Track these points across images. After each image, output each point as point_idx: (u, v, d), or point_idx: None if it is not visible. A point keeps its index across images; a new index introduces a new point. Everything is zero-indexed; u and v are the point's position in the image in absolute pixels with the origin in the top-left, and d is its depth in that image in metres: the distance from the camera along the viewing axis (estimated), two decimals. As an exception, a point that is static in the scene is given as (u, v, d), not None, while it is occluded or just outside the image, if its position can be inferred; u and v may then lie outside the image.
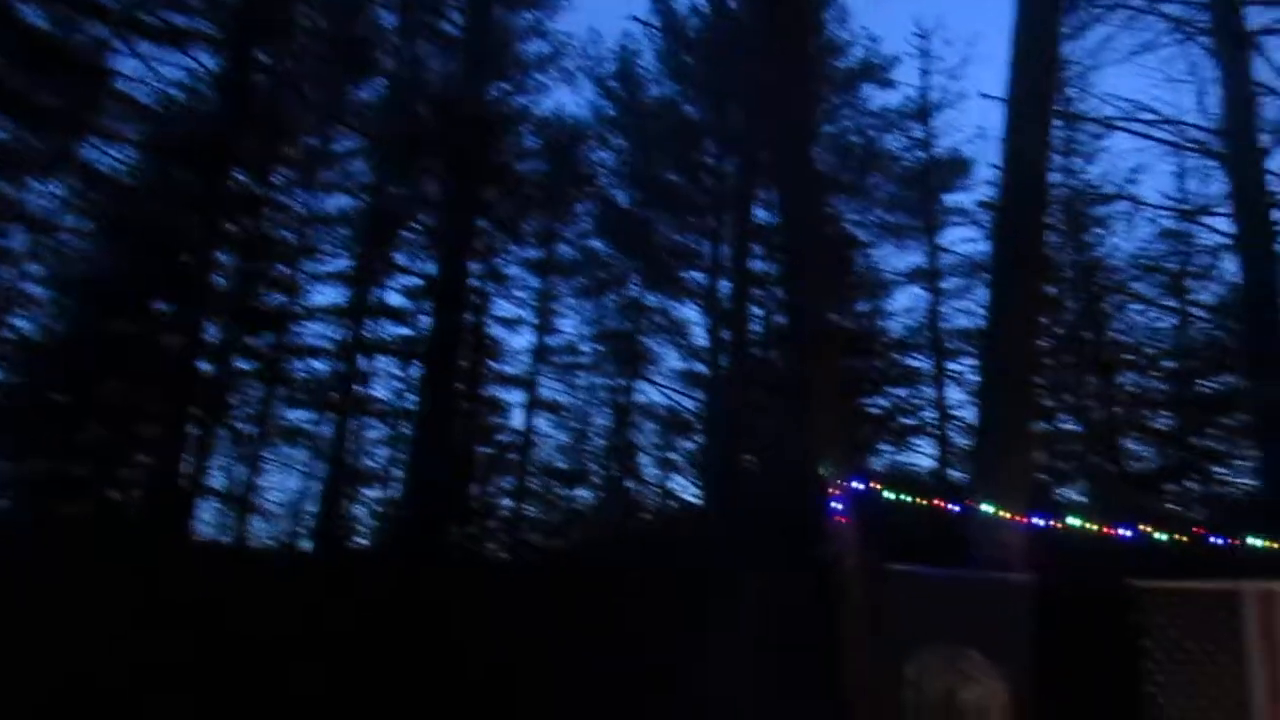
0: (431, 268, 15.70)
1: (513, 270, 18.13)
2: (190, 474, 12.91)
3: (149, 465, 12.25)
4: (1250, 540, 6.33)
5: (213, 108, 13.18)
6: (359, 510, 16.26)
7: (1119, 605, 5.87)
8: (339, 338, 15.68)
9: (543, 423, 18.81)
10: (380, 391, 16.65)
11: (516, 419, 18.47)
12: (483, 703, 9.35)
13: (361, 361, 15.98)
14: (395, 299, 16.54)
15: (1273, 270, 11.30)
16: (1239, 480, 13.96)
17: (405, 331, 16.52)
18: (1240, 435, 13.71)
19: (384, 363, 16.50)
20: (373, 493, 16.35)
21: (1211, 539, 6.42)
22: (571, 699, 8.90)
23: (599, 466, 19.14)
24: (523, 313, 18.26)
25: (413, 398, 15.81)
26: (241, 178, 13.59)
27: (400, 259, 16.26)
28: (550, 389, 18.83)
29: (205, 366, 13.18)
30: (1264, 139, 11.91)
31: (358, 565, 14.17)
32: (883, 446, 17.12)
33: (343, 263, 16.08)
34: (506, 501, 18.02)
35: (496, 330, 17.94)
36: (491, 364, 17.79)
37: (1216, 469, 14.25)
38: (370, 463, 16.46)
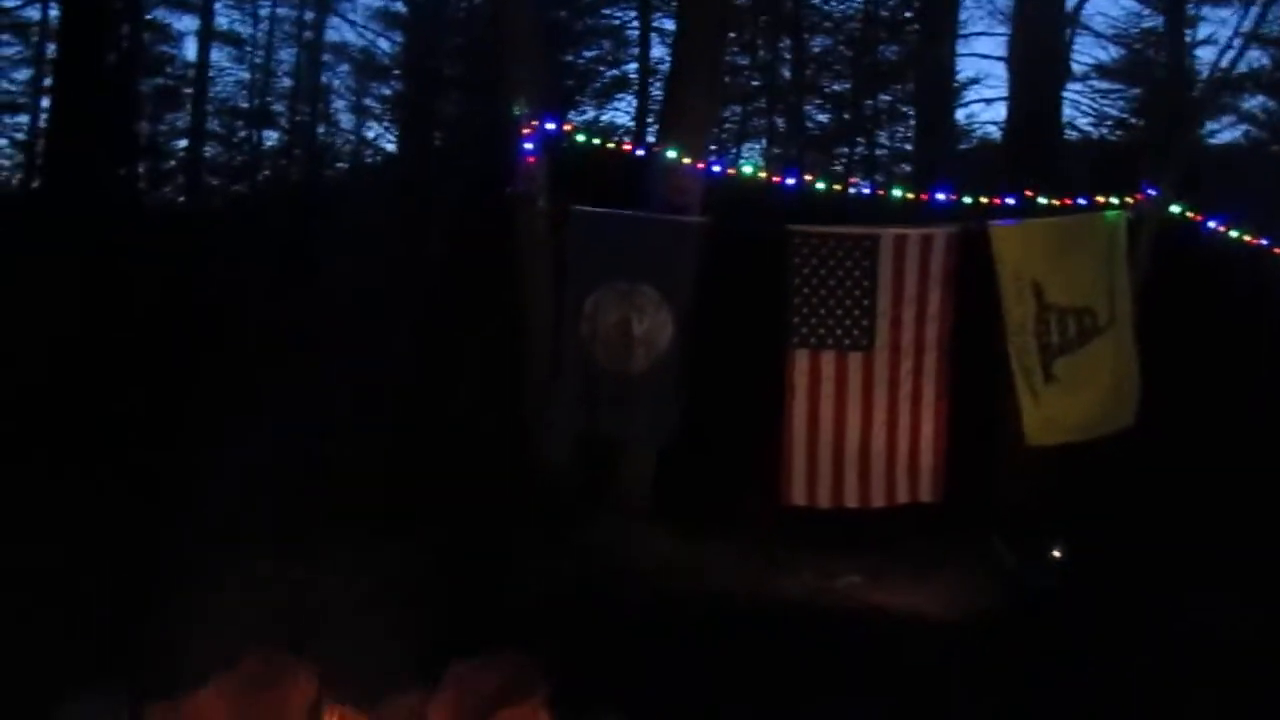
0: None
1: None
2: None
3: None
4: (894, 191, 7.03)
5: None
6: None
7: (777, 246, 6.41)
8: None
9: (221, 56, 17.02)
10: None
11: (189, 50, 16.58)
12: (159, 358, 8.95)
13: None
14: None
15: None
16: (898, 145, 15.37)
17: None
18: (904, 102, 14.87)
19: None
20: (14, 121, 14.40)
21: (861, 189, 7.08)
22: (262, 353, 8.72)
23: (287, 109, 17.84)
24: (187, -77, 15.91)
25: (55, 10, 13.66)
26: None
27: None
28: (227, 18, 16.91)
29: None
30: None
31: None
32: (585, 104, 17.08)
33: None
34: (182, 142, 16.56)
35: (155, -59, 15.59)
36: (153, -20, 15.58)
37: (880, 133, 15.55)
38: (8, 85, 14.37)
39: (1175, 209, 6.72)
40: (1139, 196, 6.57)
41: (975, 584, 6.57)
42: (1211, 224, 6.72)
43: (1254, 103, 14.80)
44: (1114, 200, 6.53)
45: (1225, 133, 15.21)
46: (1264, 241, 6.74)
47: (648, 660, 4.81)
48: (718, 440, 7.23)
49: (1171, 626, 5.90)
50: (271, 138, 17.54)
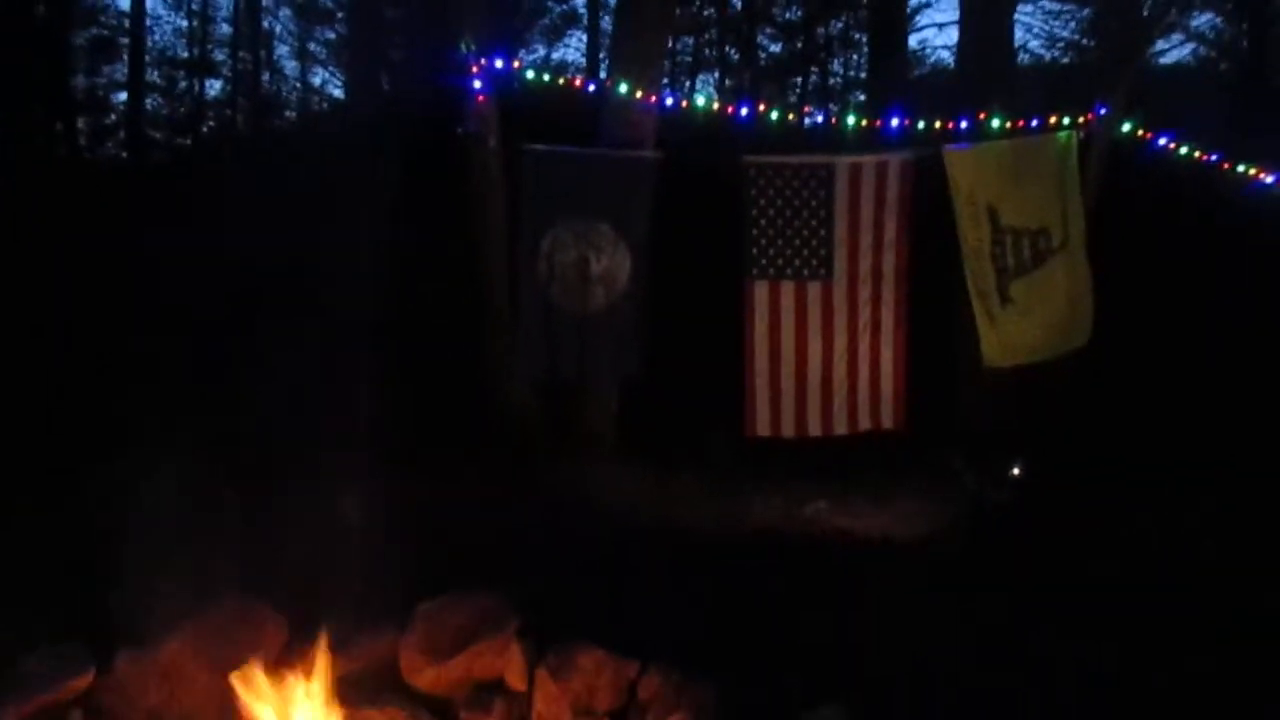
0: None
1: None
2: None
3: None
4: (848, 119, 7.00)
5: None
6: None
7: (733, 178, 6.39)
8: None
9: (156, 4, 16.53)
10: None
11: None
12: (105, 317, 8.73)
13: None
14: None
15: None
16: (851, 73, 15.27)
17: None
18: (857, 29, 14.75)
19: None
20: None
21: (815, 117, 7.04)
22: (215, 306, 8.55)
23: (228, 58, 17.38)
24: None
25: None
26: None
27: None
28: (159, -37, 16.39)
29: None
30: None
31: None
32: (535, 42, 16.82)
33: None
34: (121, 95, 16.10)
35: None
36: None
37: (833, 62, 15.43)
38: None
39: (1126, 127, 6.76)
40: (1089, 116, 6.60)
41: (937, 505, 6.69)
42: (1162, 141, 6.77)
43: (1202, 20, 14.86)
44: (1065, 121, 6.55)
45: (1174, 51, 15.29)
46: (1213, 157, 6.81)
47: (618, 593, 4.86)
48: (680, 375, 7.24)
49: (1125, 540, 6.06)
50: (214, 87, 17.12)
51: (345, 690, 4.01)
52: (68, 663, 3.51)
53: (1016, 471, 6.75)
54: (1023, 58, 13.26)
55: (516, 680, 4.01)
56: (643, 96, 6.84)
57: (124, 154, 15.65)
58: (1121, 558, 5.78)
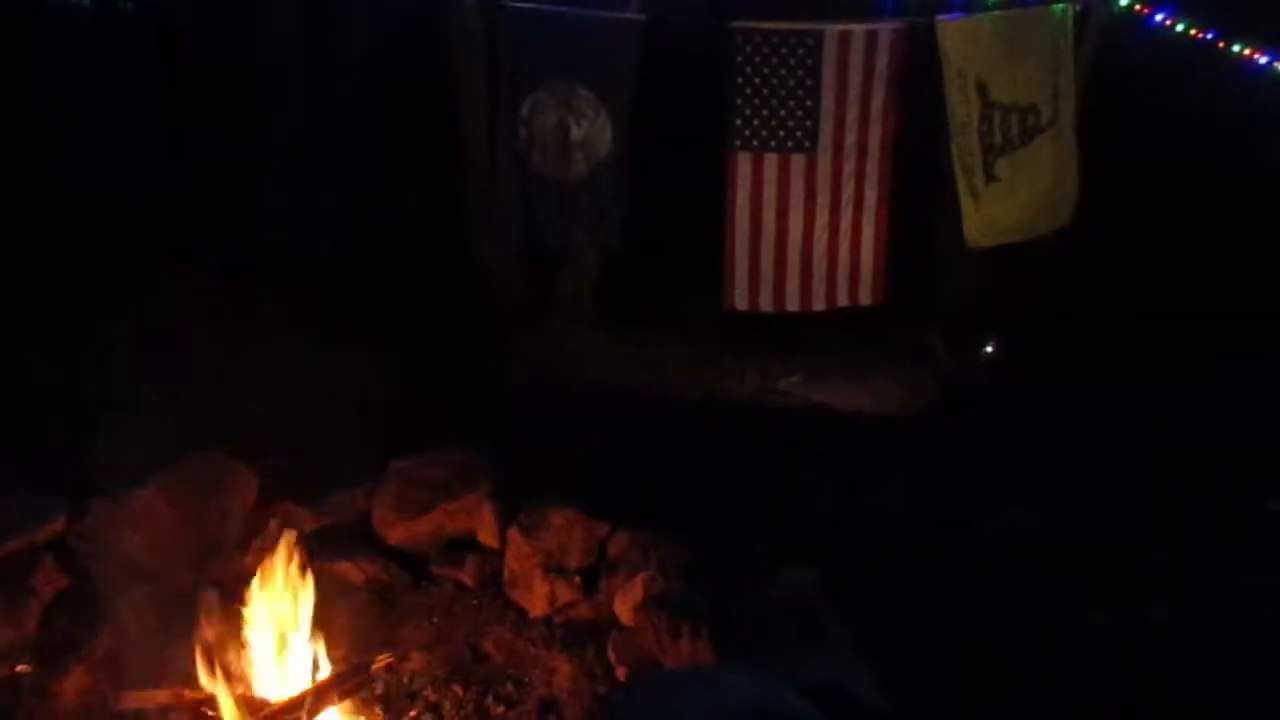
0: None
1: None
2: None
3: None
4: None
5: None
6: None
7: (719, 44, 6.20)
8: None
9: None
10: None
11: None
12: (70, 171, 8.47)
13: None
14: None
15: None
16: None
17: None
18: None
19: None
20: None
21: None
22: (184, 165, 8.33)
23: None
24: None
25: None
26: None
27: None
28: None
29: None
30: None
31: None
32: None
33: None
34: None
35: None
36: None
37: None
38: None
39: (1123, 1, 6.58)
40: (1087, -13, 6.41)
41: (911, 381, 6.76)
42: (1159, 16, 6.60)
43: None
44: (1063, -8, 6.36)
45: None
46: (1209, 35, 6.66)
47: (591, 456, 4.92)
48: (660, 246, 7.19)
49: (1090, 418, 6.16)
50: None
51: (317, 544, 4.07)
52: (41, 509, 3.54)
53: (990, 350, 6.81)
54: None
55: (489, 537, 4.07)
56: (629, -43, 6.57)
57: (86, 2, 15.00)
58: (1092, 437, 5.89)
